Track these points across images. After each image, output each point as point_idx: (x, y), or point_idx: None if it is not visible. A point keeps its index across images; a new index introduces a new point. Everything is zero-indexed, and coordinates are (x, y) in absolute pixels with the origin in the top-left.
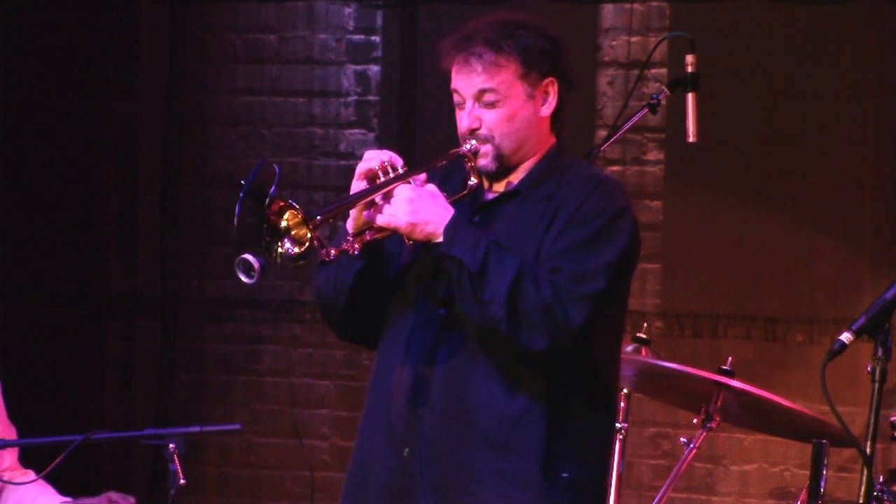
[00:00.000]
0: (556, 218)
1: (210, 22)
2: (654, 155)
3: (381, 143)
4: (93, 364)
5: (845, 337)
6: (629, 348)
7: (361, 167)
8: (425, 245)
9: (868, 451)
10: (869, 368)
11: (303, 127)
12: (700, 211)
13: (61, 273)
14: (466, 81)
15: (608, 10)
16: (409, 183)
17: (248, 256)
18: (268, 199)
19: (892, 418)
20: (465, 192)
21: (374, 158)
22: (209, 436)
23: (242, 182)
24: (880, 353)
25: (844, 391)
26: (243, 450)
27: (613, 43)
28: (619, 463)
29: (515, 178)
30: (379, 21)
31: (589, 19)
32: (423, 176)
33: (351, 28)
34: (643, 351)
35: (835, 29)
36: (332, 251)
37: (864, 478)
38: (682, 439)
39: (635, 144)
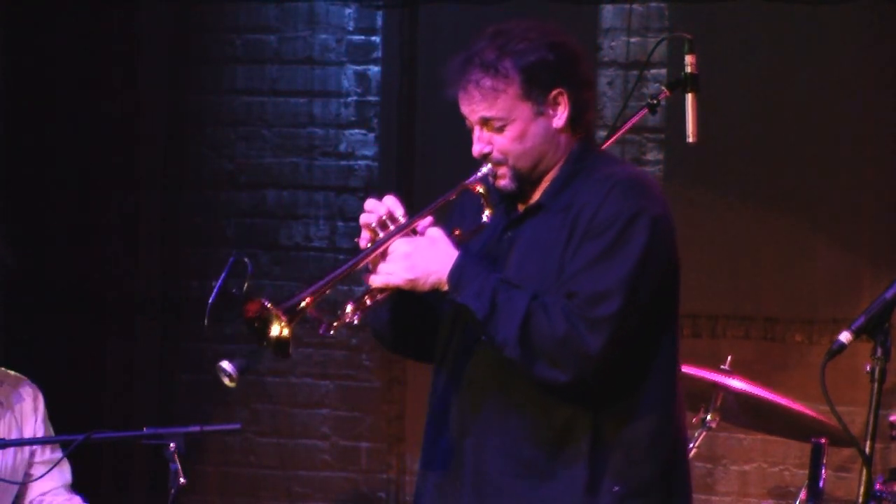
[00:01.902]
0: (575, 229)
1: (210, 22)
2: (653, 155)
3: (381, 143)
4: (93, 364)
5: (845, 337)
6: None
7: (361, 218)
8: (436, 294)
9: (867, 450)
10: (868, 368)
11: (303, 127)
12: (700, 211)
13: (62, 273)
14: (469, 109)
15: (608, 11)
16: (413, 232)
17: (224, 364)
18: (243, 299)
19: (892, 418)
20: (476, 229)
21: (372, 211)
22: (209, 435)
23: (214, 283)
24: (880, 352)
25: (844, 391)
26: (243, 450)
27: (613, 43)
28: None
29: (540, 190)
30: (379, 21)
31: (589, 19)
32: (428, 220)
33: (351, 28)
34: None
35: (835, 29)
36: (332, 327)
37: (864, 477)
38: None
39: (635, 144)
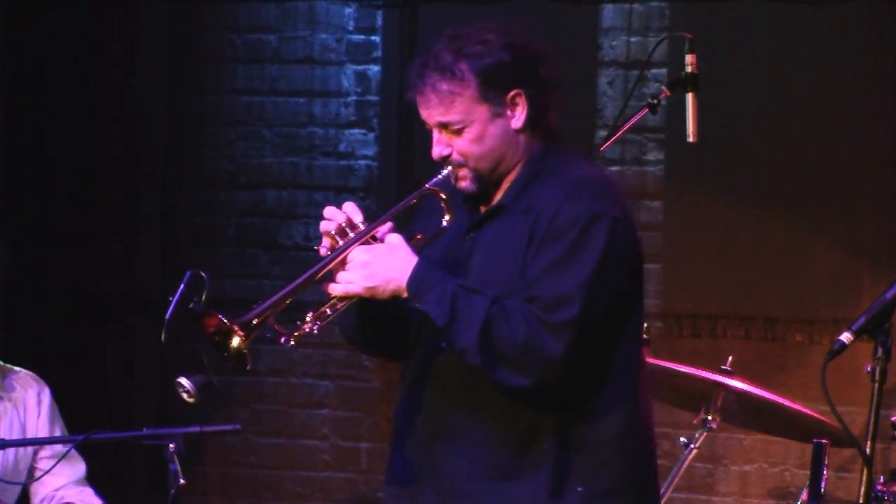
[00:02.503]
0: (534, 232)
1: (210, 22)
2: (654, 155)
3: (381, 143)
4: (93, 364)
5: (845, 337)
6: None
7: (320, 226)
8: (396, 301)
9: (868, 451)
10: (869, 368)
11: (303, 127)
12: (700, 211)
13: (62, 273)
14: (427, 113)
15: (608, 10)
16: (372, 239)
17: (183, 380)
18: (199, 313)
19: (893, 418)
20: (436, 234)
21: (331, 219)
22: (209, 436)
23: (170, 298)
24: (880, 353)
25: (844, 391)
26: (244, 450)
27: (613, 43)
28: None
29: (501, 191)
30: (379, 21)
31: (589, 19)
32: (387, 226)
33: (351, 28)
34: (643, 351)
35: (835, 29)
36: (293, 338)
37: (864, 478)
38: (682, 439)
39: (635, 144)
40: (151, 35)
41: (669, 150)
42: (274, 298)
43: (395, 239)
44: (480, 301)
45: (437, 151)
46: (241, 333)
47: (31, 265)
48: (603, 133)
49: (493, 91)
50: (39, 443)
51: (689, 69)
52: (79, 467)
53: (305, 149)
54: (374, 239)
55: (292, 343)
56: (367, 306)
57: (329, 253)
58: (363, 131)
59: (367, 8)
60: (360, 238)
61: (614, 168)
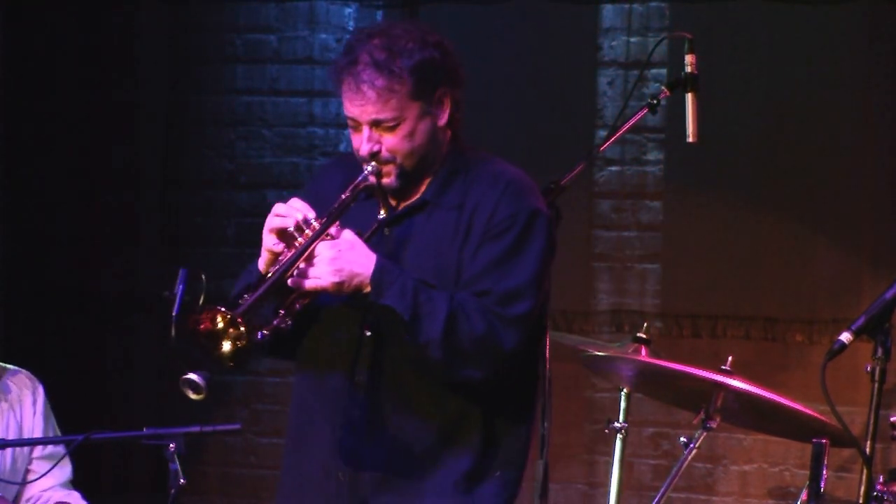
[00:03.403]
0: (471, 229)
1: (210, 22)
2: (654, 155)
3: None
4: (93, 364)
5: (845, 337)
6: (629, 349)
7: (273, 223)
8: (355, 296)
9: (868, 451)
10: (868, 368)
11: (303, 127)
12: (700, 211)
13: (61, 273)
14: (361, 109)
15: (608, 10)
16: (328, 237)
17: (192, 376)
18: (197, 309)
19: (892, 418)
20: (375, 228)
21: (287, 216)
22: (209, 436)
23: (168, 294)
24: (880, 353)
25: (844, 391)
26: (244, 450)
27: (613, 43)
28: (618, 463)
29: (422, 188)
30: (379, 21)
31: (589, 19)
32: (337, 224)
33: (351, 28)
34: (643, 351)
35: (835, 29)
36: (266, 332)
37: (864, 478)
38: (681, 439)
39: (635, 144)
40: (151, 35)
41: (669, 150)
42: (258, 293)
43: (350, 235)
44: (440, 296)
45: (368, 148)
46: (244, 325)
47: (31, 265)
48: (603, 133)
49: (426, 89)
50: (39, 443)
51: (688, 69)
52: (66, 469)
53: (305, 149)
54: (329, 236)
55: (267, 336)
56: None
57: (292, 251)
58: None
59: (367, 8)
60: (319, 235)
61: (614, 168)
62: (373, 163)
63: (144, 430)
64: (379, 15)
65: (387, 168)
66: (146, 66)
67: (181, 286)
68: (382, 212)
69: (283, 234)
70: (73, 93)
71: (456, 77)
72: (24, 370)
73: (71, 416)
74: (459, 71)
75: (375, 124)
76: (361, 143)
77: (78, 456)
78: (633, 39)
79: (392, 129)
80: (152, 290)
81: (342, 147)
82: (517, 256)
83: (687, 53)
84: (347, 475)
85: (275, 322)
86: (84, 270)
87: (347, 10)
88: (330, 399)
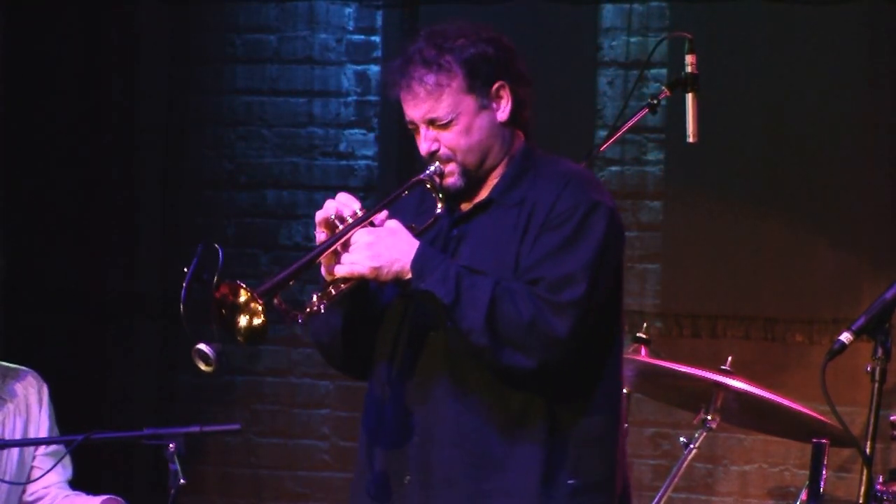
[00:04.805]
0: (531, 222)
1: (210, 22)
2: (654, 155)
3: (381, 143)
4: (93, 364)
5: (845, 337)
6: (629, 349)
7: (319, 214)
8: (396, 284)
9: (868, 451)
10: (869, 368)
11: (303, 127)
12: (700, 211)
13: (61, 273)
14: (415, 108)
15: (608, 11)
16: (370, 225)
17: (202, 346)
18: (214, 282)
19: (892, 418)
20: (430, 222)
21: (330, 207)
22: (209, 436)
23: (185, 269)
24: (880, 353)
25: (844, 391)
26: (243, 450)
27: (613, 43)
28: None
29: (488, 187)
30: (379, 21)
31: (589, 19)
32: (383, 214)
33: (351, 28)
34: (643, 351)
35: (835, 29)
36: (300, 316)
37: (864, 478)
38: (681, 439)
39: (635, 144)
40: (151, 35)
41: (669, 150)
42: (284, 274)
43: (395, 224)
44: (484, 281)
45: (426, 147)
46: (262, 302)
47: (31, 265)
48: (603, 133)
49: (479, 82)
50: (40, 443)
51: (689, 69)
52: (68, 467)
53: (305, 149)
54: (373, 225)
55: (301, 320)
56: (353, 306)
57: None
58: (363, 131)
59: (367, 8)
60: (359, 223)
61: (614, 168)
62: (435, 163)
63: (144, 430)
64: (379, 15)
65: (449, 168)
66: (146, 66)
67: (195, 260)
68: (440, 207)
69: (328, 224)
70: (73, 93)
71: (515, 72)
72: (32, 371)
73: (71, 416)
74: (520, 67)
75: (431, 123)
76: (421, 143)
77: (78, 456)
78: (633, 39)
79: (448, 125)
80: (153, 290)
81: (342, 147)
82: (573, 244)
83: (687, 53)
84: (413, 479)
85: (308, 307)
86: (84, 270)
87: (347, 10)
88: (383, 403)
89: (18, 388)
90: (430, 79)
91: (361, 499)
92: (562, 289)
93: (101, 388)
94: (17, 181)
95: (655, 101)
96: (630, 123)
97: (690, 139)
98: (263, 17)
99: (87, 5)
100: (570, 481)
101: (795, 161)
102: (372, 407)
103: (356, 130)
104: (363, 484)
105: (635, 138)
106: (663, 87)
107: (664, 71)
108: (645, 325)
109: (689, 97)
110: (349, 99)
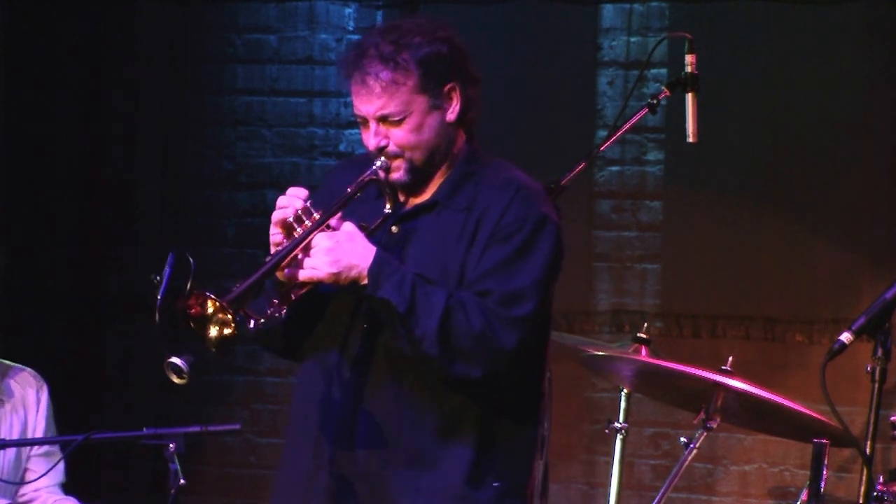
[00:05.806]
0: (478, 231)
1: (210, 22)
2: (654, 155)
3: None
4: (93, 364)
5: (845, 337)
6: (629, 349)
7: (276, 216)
8: (352, 289)
9: (868, 451)
10: (869, 368)
11: (303, 127)
12: (700, 211)
13: (61, 273)
14: (367, 103)
15: (608, 11)
16: (327, 228)
17: (175, 360)
18: (185, 293)
19: (892, 418)
20: (380, 222)
21: (287, 206)
22: (209, 436)
23: (157, 278)
24: (880, 353)
25: (844, 391)
26: (243, 450)
27: (613, 43)
28: (618, 463)
29: (432, 187)
30: (379, 21)
31: (589, 19)
32: (338, 215)
33: (351, 28)
34: (643, 351)
35: (835, 29)
36: (260, 321)
37: (864, 478)
38: (682, 439)
39: (635, 144)
40: (150, 35)
41: (669, 150)
42: (250, 281)
43: (350, 227)
44: (438, 292)
45: (375, 142)
46: (231, 312)
47: (31, 266)
48: (603, 133)
49: (433, 82)
50: (38, 443)
51: (688, 69)
52: (60, 469)
53: (305, 149)
54: (329, 227)
55: (261, 325)
56: (302, 300)
57: (288, 242)
58: None
59: (367, 8)
60: (318, 226)
61: (614, 168)
62: (382, 158)
63: (144, 430)
64: (379, 15)
65: (395, 163)
66: (146, 66)
67: (168, 269)
68: (388, 206)
69: (285, 225)
70: (72, 92)
71: (467, 73)
72: (28, 368)
73: (71, 416)
74: (471, 68)
75: (382, 119)
76: (369, 138)
77: (78, 456)
78: (633, 39)
79: (399, 122)
80: (152, 290)
81: (342, 147)
82: (523, 259)
83: (687, 53)
84: (340, 472)
85: (269, 311)
86: (84, 270)
87: (347, 10)
88: (323, 394)
89: (16, 386)
90: (386, 75)
91: (291, 490)
92: (512, 304)
93: (101, 388)
94: (17, 181)
95: (655, 101)
96: (630, 123)
97: (690, 139)
98: (263, 17)
99: (87, 5)
100: (495, 484)
101: (795, 161)
102: (312, 396)
103: (356, 130)
104: (292, 476)
105: (635, 138)
106: (663, 87)
107: (664, 71)
108: (645, 325)
109: (689, 97)
110: (349, 99)
